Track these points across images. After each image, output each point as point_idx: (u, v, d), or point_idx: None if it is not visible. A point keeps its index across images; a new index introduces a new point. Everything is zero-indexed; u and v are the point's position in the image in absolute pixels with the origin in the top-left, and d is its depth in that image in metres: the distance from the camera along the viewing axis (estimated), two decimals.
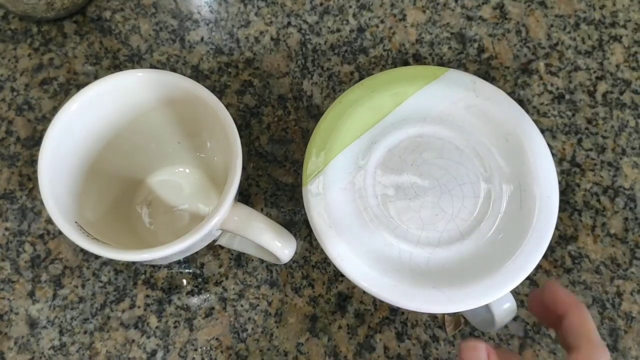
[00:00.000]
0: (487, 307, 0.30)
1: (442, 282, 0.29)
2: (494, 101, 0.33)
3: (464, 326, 0.35)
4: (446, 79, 0.33)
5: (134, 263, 0.36)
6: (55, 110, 0.38)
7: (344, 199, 0.31)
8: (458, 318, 0.35)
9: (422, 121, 0.33)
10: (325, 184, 0.31)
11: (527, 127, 0.32)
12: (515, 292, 0.36)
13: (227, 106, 0.31)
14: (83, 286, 0.35)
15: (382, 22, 0.41)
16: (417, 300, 0.29)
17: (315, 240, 0.34)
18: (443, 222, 0.31)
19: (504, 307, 0.29)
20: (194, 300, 0.35)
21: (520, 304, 0.36)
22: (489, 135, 0.32)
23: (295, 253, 0.32)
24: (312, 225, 0.31)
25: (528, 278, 0.36)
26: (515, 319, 0.35)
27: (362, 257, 0.30)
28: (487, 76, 0.40)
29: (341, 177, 0.32)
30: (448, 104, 0.33)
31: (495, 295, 0.29)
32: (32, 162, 0.37)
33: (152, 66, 0.40)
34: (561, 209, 0.38)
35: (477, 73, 0.40)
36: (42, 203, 0.30)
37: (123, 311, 0.35)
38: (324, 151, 0.32)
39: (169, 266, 0.36)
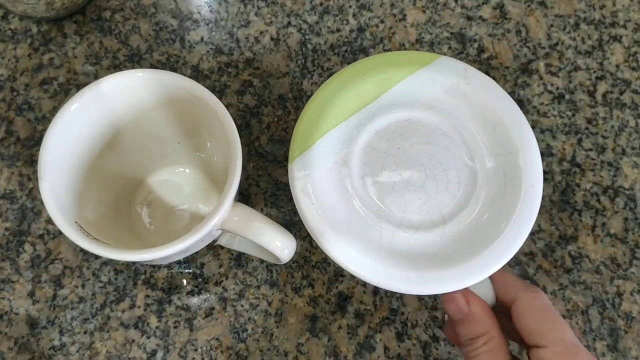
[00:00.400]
0: None
1: (422, 265, 0.30)
2: (484, 89, 0.33)
3: None
4: (438, 65, 0.34)
5: (134, 263, 0.36)
6: (55, 110, 0.38)
7: (329, 178, 0.31)
8: None
9: (412, 106, 0.33)
10: (311, 163, 0.31)
11: (516, 116, 0.33)
12: None
13: (227, 106, 0.31)
14: (83, 286, 0.35)
15: (382, 22, 0.41)
16: (395, 280, 0.29)
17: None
18: (426, 206, 0.31)
19: (483, 292, 0.30)
20: (194, 300, 0.35)
21: None
22: (477, 123, 0.33)
23: (295, 253, 0.32)
24: (296, 203, 0.31)
25: (528, 278, 0.36)
26: None
27: (343, 236, 0.30)
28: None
29: (328, 157, 0.32)
30: (438, 90, 0.33)
31: (473, 279, 0.29)
32: (32, 162, 0.37)
33: (152, 66, 0.40)
34: (561, 209, 0.38)
35: None
36: (42, 203, 0.30)
37: (123, 311, 0.35)
38: (312, 130, 0.32)
39: (169, 266, 0.36)
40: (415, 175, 0.32)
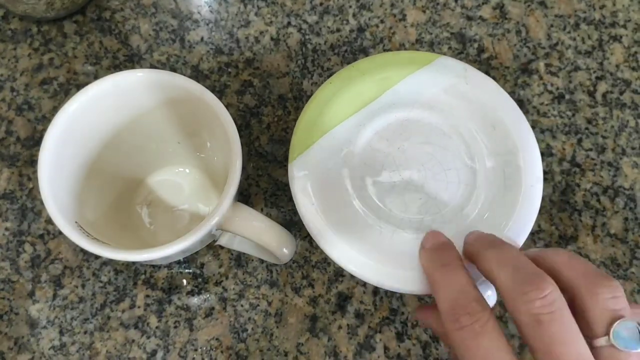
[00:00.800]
0: None
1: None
2: (483, 89, 0.33)
3: None
4: (438, 65, 0.34)
5: (134, 263, 0.36)
6: (55, 110, 0.38)
7: (329, 178, 0.31)
8: None
9: (411, 106, 0.33)
10: (311, 163, 0.31)
11: (516, 116, 0.33)
12: None
13: (227, 106, 0.31)
14: (83, 286, 0.35)
15: (382, 22, 0.41)
16: (394, 280, 0.29)
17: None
18: (426, 206, 0.31)
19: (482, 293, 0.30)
20: (194, 300, 0.35)
21: None
22: (476, 123, 0.33)
23: (295, 253, 0.32)
24: (296, 203, 0.31)
25: None
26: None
27: (343, 236, 0.30)
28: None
29: (327, 157, 0.32)
30: (438, 89, 0.33)
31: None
32: (32, 162, 0.37)
33: (152, 66, 0.40)
34: (561, 209, 0.38)
35: None
36: (42, 203, 0.30)
37: (123, 311, 0.35)
38: (312, 130, 0.32)
39: (169, 266, 0.36)
40: (415, 175, 0.32)
